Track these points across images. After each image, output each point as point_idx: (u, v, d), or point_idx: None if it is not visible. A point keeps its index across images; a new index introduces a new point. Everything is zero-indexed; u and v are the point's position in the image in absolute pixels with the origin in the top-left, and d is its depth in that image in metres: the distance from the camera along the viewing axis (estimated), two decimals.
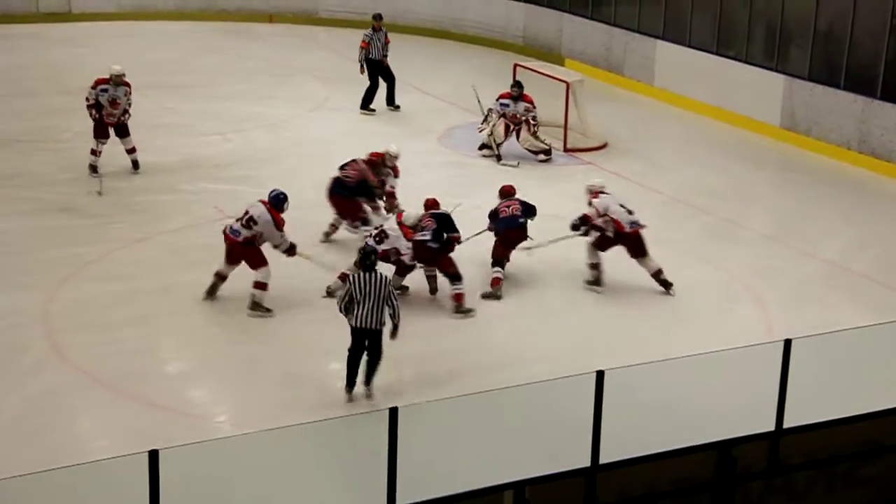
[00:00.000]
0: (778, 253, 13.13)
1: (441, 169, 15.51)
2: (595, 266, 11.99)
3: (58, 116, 16.84)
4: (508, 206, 12.11)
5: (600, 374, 7.80)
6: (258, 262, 11.16)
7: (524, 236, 12.09)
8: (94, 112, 14.47)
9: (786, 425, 8.35)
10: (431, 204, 11.83)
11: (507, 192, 12.37)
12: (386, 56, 17.81)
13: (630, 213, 11.84)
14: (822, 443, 8.55)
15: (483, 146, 15.92)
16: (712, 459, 8.29)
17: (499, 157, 15.69)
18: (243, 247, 11.11)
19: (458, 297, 11.39)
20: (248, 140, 16.29)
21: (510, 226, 12.00)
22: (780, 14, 17.24)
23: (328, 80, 19.12)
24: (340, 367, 9.80)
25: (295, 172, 14.98)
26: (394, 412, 7.35)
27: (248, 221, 11.09)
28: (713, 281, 12.39)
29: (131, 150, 14.72)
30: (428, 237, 11.35)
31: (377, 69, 17.81)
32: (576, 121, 16.49)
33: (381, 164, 13.07)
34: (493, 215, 12.16)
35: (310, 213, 12.94)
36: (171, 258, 12.39)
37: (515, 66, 17.32)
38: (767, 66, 17.33)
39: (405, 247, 11.35)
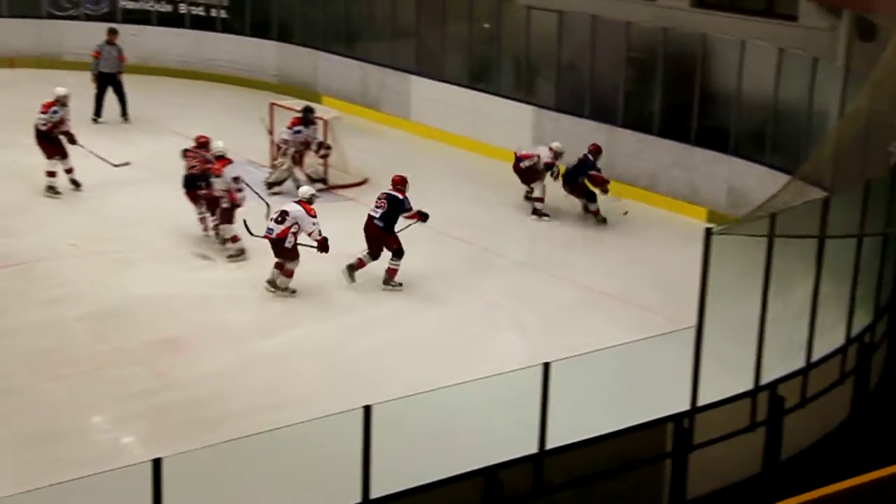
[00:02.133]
0: (535, 279, 13.57)
1: None
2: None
3: None
4: (378, 199, 12.91)
5: (367, 409, 7.85)
6: None
7: (378, 235, 12.78)
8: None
9: (548, 446, 8.63)
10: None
11: (393, 182, 13.12)
12: (120, 72, 18.88)
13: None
14: (582, 461, 8.87)
15: (272, 184, 15.77)
16: (480, 485, 8.47)
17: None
18: None
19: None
20: None
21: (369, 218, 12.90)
22: (526, 48, 17.89)
23: (76, 125, 18.50)
24: (101, 420, 9.50)
25: (47, 219, 14.45)
26: (157, 463, 7.18)
27: None
28: (476, 309, 12.68)
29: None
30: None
31: (108, 81, 18.82)
32: (335, 158, 16.58)
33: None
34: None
35: (64, 265, 12.53)
36: None
37: (272, 104, 17.27)
38: (516, 97, 17.93)
39: (311, 223, 12.29)
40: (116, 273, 12.90)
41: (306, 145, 15.96)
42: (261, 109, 17.39)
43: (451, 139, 18.66)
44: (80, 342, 11.33)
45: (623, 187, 16.49)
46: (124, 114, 18.97)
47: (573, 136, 17.11)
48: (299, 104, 17.53)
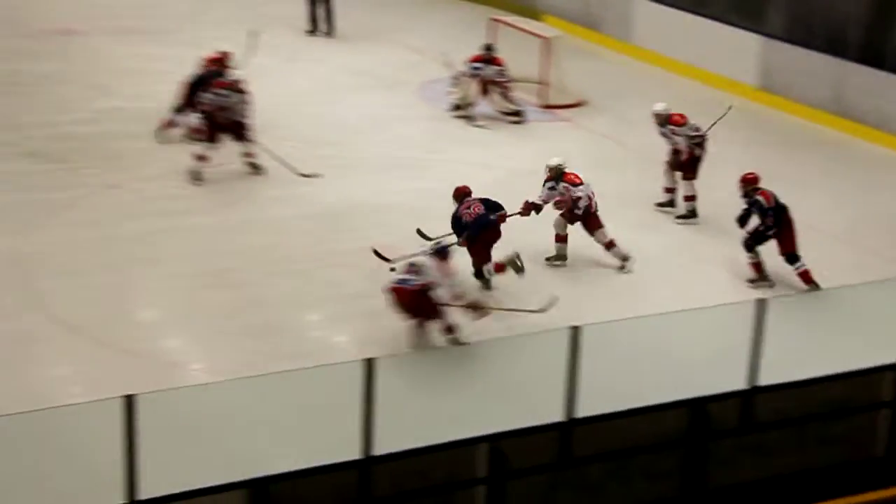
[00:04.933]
0: None
1: (418, 123, 15.41)
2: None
3: (23, 60, 16.57)
4: (469, 208, 10.78)
5: (575, 329, 7.83)
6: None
7: (498, 234, 10.88)
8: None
9: (760, 384, 8.43)
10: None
11: (462, 193, 10.94)
12: None
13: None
14: (794, 402, 8.64)
15: (457, 107, 15.75)
16: (686, 416, 8.36)
17: (472, 118, 15.54)
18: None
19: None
20: None
21: (482, 226, 10.74)
22: None
23: (303, 31, 18.94)
24: (318, 318, 9.79)
25: (272, 123, 14.83)
26: (370, 363, 7.35)
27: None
28: (686, 241, 12.41)
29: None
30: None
31: None
32: (554, 77, 16.42)
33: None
34: (458, 224, 10.81)
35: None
36: (143, 206, 12.29)
37: (492, 19, 17.21)
38: (743, 25, 17.32)
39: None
40: (336, 178, 13.20)
41: (490, 82, 15.52)
42: (480, 24, 17.33)
43: (671, 65, 18.20)
44: (299, 242, 11.66)
45: (853, 125, 15.78)
46: (329, 26, 18.81)
47: (802, 68, 16.42)
48: (520, 21, 17.43)
